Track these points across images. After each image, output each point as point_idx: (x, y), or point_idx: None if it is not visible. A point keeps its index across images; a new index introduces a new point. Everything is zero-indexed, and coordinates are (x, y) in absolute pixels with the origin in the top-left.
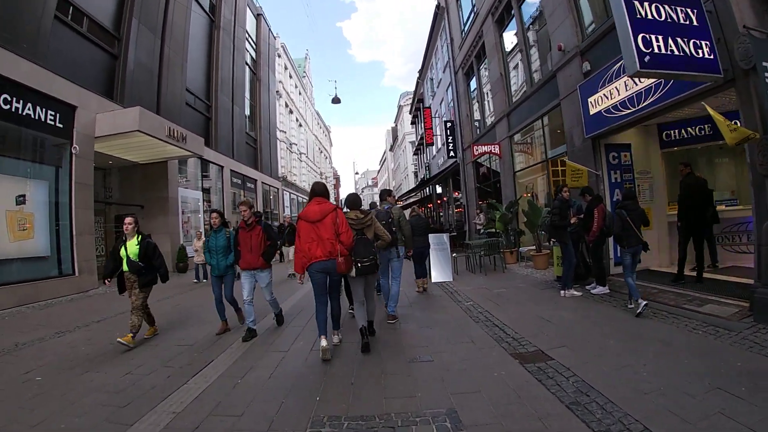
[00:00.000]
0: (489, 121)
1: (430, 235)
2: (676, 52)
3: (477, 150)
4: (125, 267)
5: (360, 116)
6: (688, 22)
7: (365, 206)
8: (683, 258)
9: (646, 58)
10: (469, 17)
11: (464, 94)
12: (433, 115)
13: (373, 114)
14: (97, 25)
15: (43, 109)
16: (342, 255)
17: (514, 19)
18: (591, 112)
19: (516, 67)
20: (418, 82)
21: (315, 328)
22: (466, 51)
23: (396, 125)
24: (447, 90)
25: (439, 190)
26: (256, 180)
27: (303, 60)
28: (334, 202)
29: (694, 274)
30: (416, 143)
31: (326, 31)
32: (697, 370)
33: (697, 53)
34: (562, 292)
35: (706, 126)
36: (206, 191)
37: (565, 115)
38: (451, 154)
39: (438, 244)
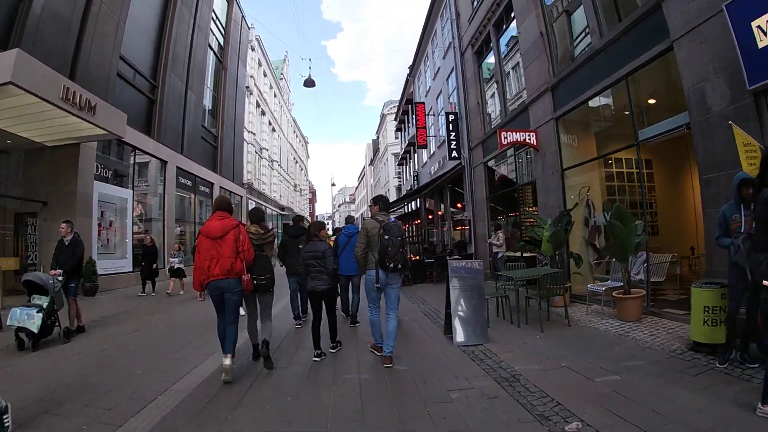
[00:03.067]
0: (514, 106)
1: (449, 261)
2: None
3: (506, 138)
4: None
5: (340, 134)
6: None
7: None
8: None
9: None
10: None
11: (474, 77)
12: (426, 113)
13: (354, 133)
14: None
15: None
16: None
17: None
18: (760, 45)
19: (565, 19)
20: (407, 80)
21: None
22: (479, 22)
23: (378, 137)
24: (447, 80)
25: (428, 204)
26: (212, 183)
27: (281, 62)
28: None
29: None
30: (400, 154)
31: (312, 48)
32: None
33: None
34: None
35: None
36: (144, 192)
37: (683, 65)
38: (454, 154)
39: (461, 277)
